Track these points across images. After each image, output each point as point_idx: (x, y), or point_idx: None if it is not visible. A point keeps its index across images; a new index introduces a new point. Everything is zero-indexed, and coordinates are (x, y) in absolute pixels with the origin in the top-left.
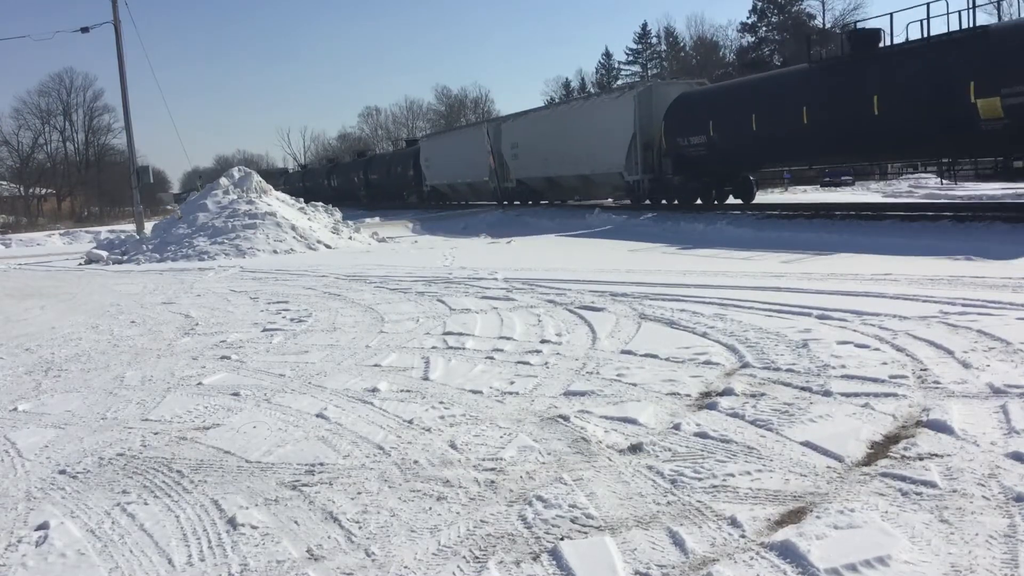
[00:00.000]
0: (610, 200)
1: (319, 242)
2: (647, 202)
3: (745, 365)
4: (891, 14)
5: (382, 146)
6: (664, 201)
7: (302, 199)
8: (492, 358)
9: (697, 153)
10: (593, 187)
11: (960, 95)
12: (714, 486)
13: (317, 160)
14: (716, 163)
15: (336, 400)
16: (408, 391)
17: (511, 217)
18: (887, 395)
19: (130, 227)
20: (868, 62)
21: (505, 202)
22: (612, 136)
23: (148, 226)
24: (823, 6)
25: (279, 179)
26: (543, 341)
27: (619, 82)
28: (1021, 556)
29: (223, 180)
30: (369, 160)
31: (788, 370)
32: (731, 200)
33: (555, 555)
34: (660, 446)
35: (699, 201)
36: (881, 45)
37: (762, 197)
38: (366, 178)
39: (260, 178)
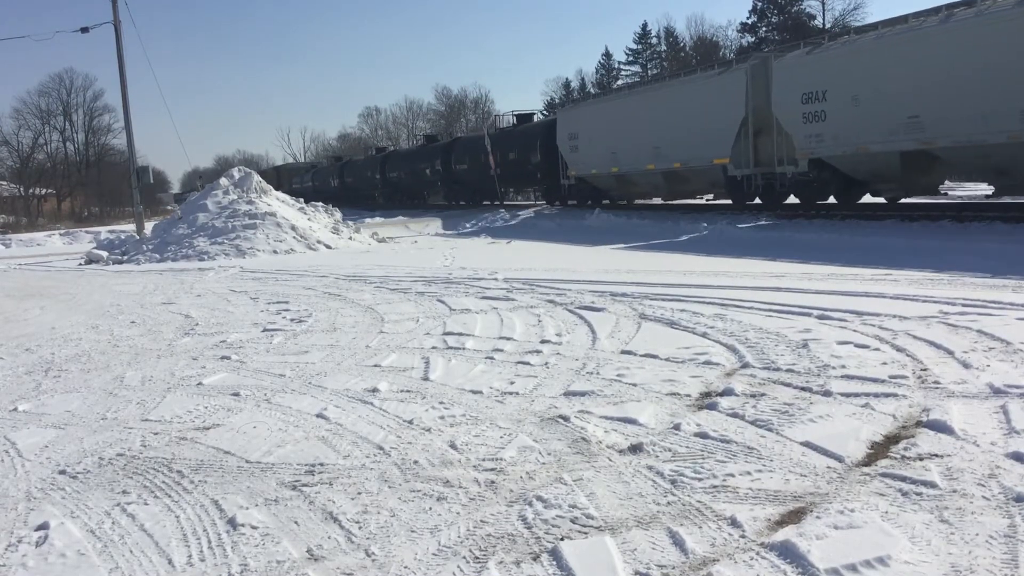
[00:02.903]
0: (709, 197)
1: (319, 242)
2: (756, 201)
3: (745, 365)
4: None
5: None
6: (792, 201)
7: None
8: (492, 358)
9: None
10: (680, 184)
11: None
12: (714, 486)
13: (326, 158)
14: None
15: (336, 400)
16: (408, 391)
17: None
18: (887, 395)
19: (130, 227)
20: None
21: (557, 203)
22: (713, 121)
23: (148, 226)
24: (823, 6)
25: (305, 175)
26: (543, 341)
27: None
28: (1021, 556)
29: (223, 180)
30: (386, 157)
31: (788, 370)
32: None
33: (555, 555)
34: (660, 446)
35: (832, 200)
36: None
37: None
38: (384, 176)
39: (260, 178)
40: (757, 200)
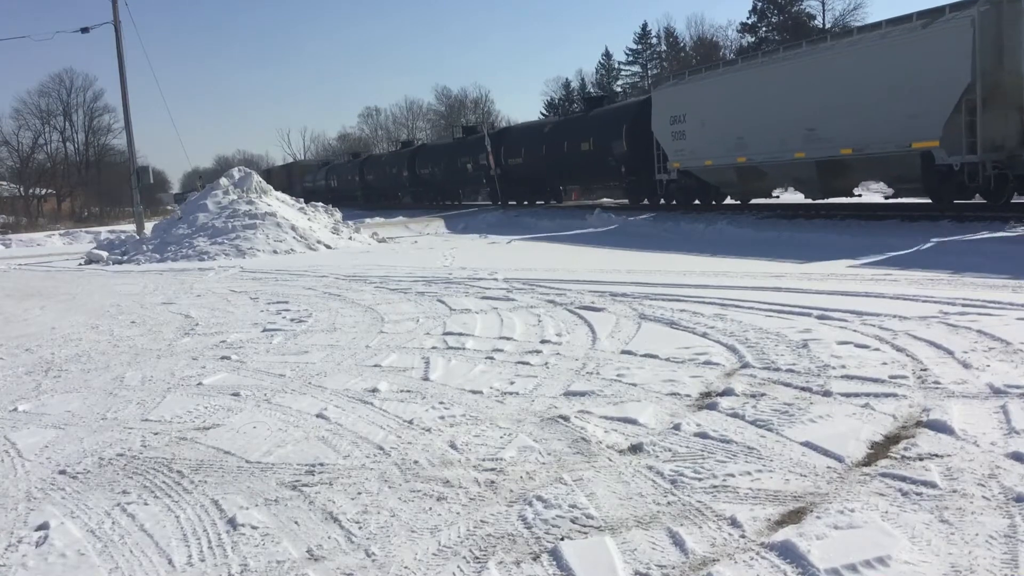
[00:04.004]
0: (885, 196)
1: (319, 242)
2: (975, 199)
3: (745, 365)
4: None
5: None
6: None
7: (302, 200)
8: (492, 358)
9: None
10: (840, 176)
11: None
12: (714, 486)
13: (344, 154)
14: None
15: (336, 400)
16: (408, 391)
17: (510, 217)
18: (887, 395)
19: (130, 227)
20: None
21: (642, 202)
22: (914, 91)
23: (148, 226)
24: (823, 6)
25: (318, 172)
26: (543, 341)
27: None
28: (1021, 556)
29: (223, 180)
30: (417, 151)
31: (788, 370)
32: None
33: (555, 555)
34: (660, 446)
35: None
36: None
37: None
38: (413, 173)
39: (260, 178)
40: (977, 198)
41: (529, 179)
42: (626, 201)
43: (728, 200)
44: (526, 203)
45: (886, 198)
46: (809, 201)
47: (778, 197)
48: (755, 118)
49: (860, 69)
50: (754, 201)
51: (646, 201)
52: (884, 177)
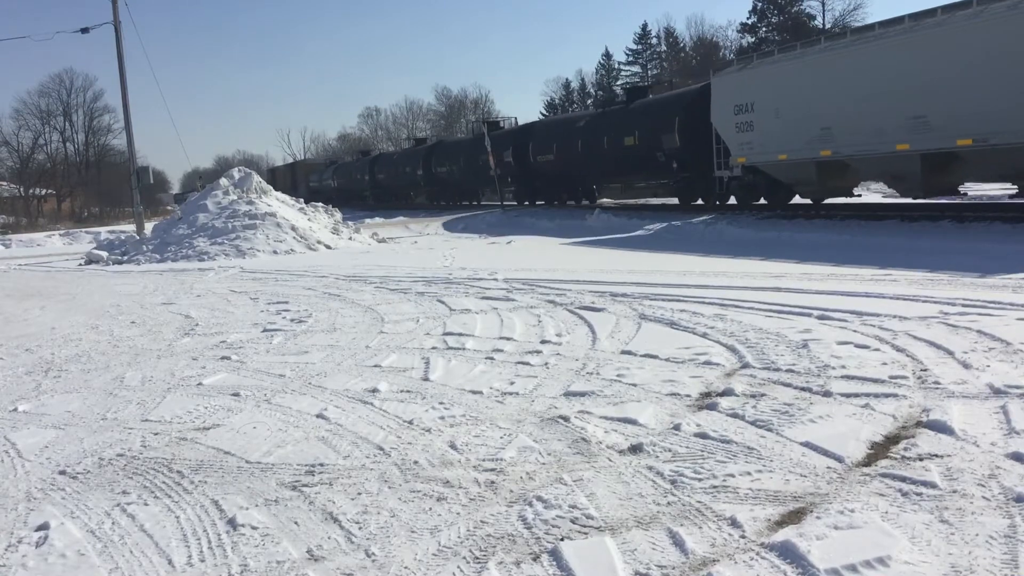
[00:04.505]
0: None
1: (319, 242)
2: None
3: (745, 365)
4: None
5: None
6: None
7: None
8: (492, 358)
9: None
10: (949, 172)
11: None
12: (714, 486)
13: (352, 153)
14: None
15: (336, 401)
16: (408, 391)
17: (511, 217)
18: (887, 395)
19: (130, 227)
20: None
21: (695, 202)
22: None
23: (148, 227)
24: (823, 6)
25: (324, 171)
26: (543, 341)
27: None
28: (1021, 556)
29: (223, 180)
30: (432, 148)
31: (788, 370)
32: None
33: (555, 555)
34: (660, 446)
35: None
36: None
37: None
38: (429, 171)
39: (260, 178)
40: None
41: (563, 177)
42: (675, 200)
43: (797, 199)
44: (556, 203)
45: (1010, 198)
46: (909, 200)
47: (860, 196)
48: (845, 105)
49: (988, 44)
50: (830, 201)
51: (700, 201)
52: (1010, 172)
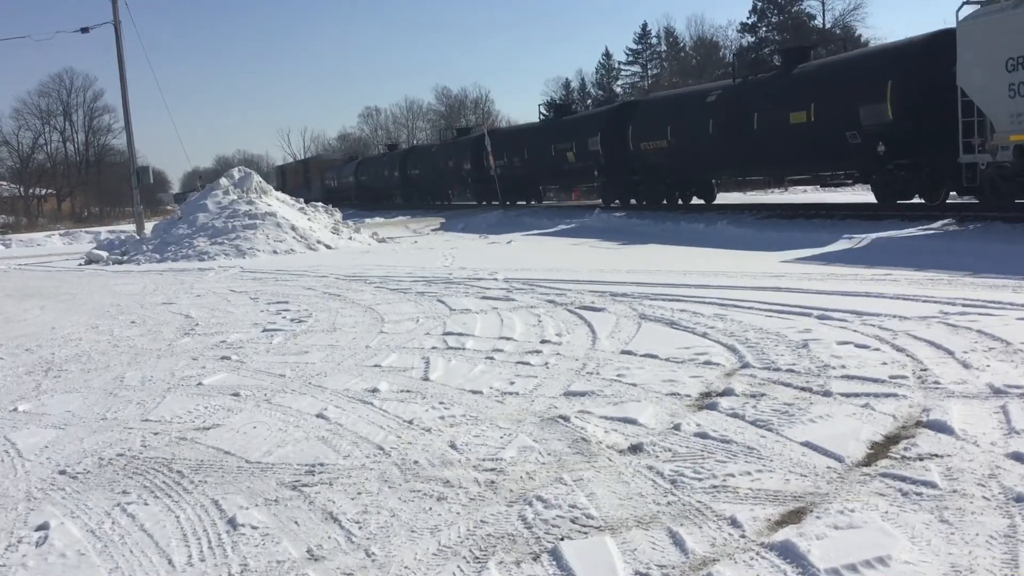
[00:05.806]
0: None
1: (319, 242)
2: None
3: (745, 365)
4: None
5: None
6: None
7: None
8: (492, 358)
9: None
10: None
11: None
12: (714, 486)
13: (383, 146)
14: None
15: (336, 400)
16: (408, 391)
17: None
18: (887, 395)
19: (130, 227)
20: None
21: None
22: None
23: (148, 226)
24: (823, 6)
25: (344, 168)
26: (543, 341)
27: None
28: (1021, 556)
29: (223, 180)
30: (478, 140)
31: (788, 370)
32: None
33: (555, 555)
34: (660, 446)
35: None
36: None
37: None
38: (475, 165)
39: (260, 178)
40: None
41: (674, 169)
42: (869, 196)
43: None
44: (664, 202)
45: None
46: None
47: None
48: None
49: None
50: None
51: (917, 198)
52: None
